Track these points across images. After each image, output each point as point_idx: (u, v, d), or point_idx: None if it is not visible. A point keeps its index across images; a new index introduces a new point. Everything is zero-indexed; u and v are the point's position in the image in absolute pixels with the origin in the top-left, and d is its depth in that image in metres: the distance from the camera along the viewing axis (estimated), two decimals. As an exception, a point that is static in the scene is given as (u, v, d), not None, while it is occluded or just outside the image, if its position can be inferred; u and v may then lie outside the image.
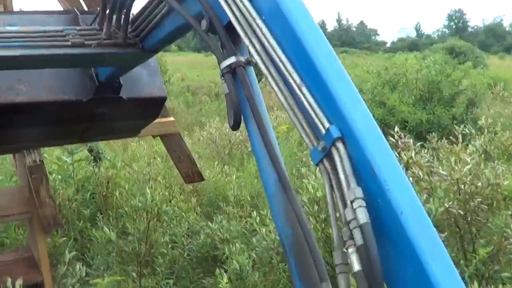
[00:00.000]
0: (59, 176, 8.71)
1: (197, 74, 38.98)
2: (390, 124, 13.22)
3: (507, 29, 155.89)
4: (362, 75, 16.65)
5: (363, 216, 1.58)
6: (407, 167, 6.81)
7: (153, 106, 4.35)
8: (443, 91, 13.90)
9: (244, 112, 2.16)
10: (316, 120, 1.84)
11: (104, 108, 3.99)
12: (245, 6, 2.13)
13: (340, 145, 1.75)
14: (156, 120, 5.04)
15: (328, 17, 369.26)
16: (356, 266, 1.56)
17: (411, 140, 7.23)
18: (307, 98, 1.87)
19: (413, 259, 1.56)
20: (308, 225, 1.82)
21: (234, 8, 2.16)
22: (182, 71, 39.51)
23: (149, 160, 11.90)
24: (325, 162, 1.81)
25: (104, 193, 8.64)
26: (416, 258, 1.56)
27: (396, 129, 7.47)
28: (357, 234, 1.58)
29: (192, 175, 6.80)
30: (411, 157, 6.74)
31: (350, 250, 1.59)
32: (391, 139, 7.24)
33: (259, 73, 2.26)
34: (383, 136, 1.79)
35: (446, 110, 13.16)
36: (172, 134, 6.34)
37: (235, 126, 2.17)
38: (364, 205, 1.61)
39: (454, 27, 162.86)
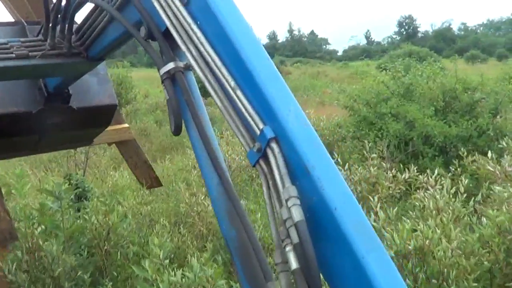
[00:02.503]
0: (43, 227, 6.87)
1: (160, 90, 36.92)
2: (411, 139, 11.76)
3: (456, 32, 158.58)
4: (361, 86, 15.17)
5: (297, 214, 1.62)
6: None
7: (105, 114, 4.39)
8: (461, 100, 12.52)
9: (184, 117, 2.20)
10: (251, 122, 1.90)
11: (54, 119, 4.03)
12: (180, 12, 2.17)
13: (274, 145, 1.81)
14: (111, 127, 5.19)
15: (280, 27, 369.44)
16: (294, 265, 1.58)
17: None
18: (242, 101, 1.92)
19: (349, 253, 1.59)
20: (252, 226, 1.84)
21: (170, 15, 2.21)
22: (144, 87, 37.46)
23: (136, 191, 10.20)
24: (261, 162, 1.85)
25: (105, 247, 6.78)
26: (352, 252, 1.58)
27: (492, 154, 5.85)
28: (293, 232, 1.61)
29: (150, 180, 6.82)
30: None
31: (287, 248, 1.62)
32: (488, 167, 5.67)
33: None
34: (316, 134, 1.83)
35: (472, 121, 11.75)
36: (128, 140, 6.32)
37: (176, 131, 2.20)
38: (299, 203, 1.65)
39: (404, 33, 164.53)
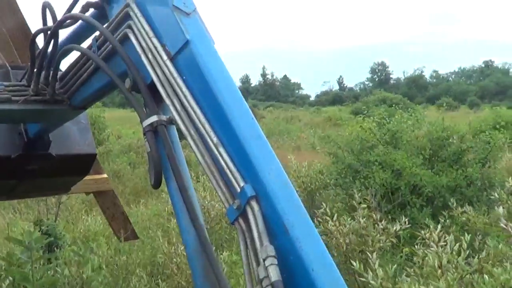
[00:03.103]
0: (10, 279, 6.33)
1: (133, 131, 36.25)
2: (398, 188, 11.38)
3: (427, 80, 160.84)
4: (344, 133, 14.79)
5: (274, 274, 1.62)
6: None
7: (83, 163, 4.31)
8: (448, 149, 12.21)
9: (164, 170, 2.20)
10: (232, 179, 1.90)
11: (33, 165, 3.96)
12: (167, 66, 2.18)
13: (254, 203, 1.81)
14: (89, 177, 5.13)
15: (253, 71, 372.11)
16: None
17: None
18: (224, 157, 1.94)
19: None
20: (228, 284, 1.77)
21: (157, 68, 2.22)
22: (116, 128, 36.75)
23: (110, 238, 9.73)
24: (240, 220, 1.85)
25: (78, 304, 6.24)
26: None
27: (503, 210, 5.49)
28: None
29: (127, 233, 6.55)
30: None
31: None
32: (501, 224, 5.29)
33: None
34: (296, 194, 1.87)
35: (461, 170, 11.41)
36: (106, 191, 6.13)
37: (156, 184, 2.19)
38: (276, 262, 1.65)
39: (377, 79, 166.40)
